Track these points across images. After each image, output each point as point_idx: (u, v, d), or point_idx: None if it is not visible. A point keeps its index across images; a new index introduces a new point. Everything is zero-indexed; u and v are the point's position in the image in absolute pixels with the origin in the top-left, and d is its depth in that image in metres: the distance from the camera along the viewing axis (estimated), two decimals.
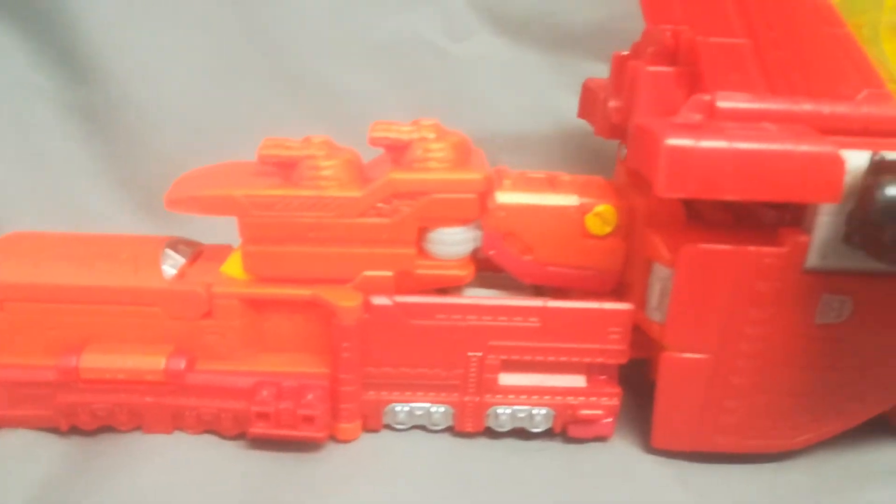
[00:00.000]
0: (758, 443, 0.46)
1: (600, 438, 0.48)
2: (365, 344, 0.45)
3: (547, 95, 0.62)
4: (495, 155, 0.62)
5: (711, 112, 0.40)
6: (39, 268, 0.46)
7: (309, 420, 0.44)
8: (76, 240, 0.49)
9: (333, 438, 0.47)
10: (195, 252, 0.50)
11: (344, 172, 0.44)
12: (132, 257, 0.47)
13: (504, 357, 0.46)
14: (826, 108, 0.40)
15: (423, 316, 0.45)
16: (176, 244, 0.49)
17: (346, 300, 0.44)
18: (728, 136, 0.37)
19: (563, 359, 0.46)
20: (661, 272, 0.44)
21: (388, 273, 0.45)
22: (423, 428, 0.48)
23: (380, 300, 0.45)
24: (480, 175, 0.44)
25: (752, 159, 0.37)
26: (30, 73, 0.62)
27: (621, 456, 0.47)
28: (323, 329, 0.45)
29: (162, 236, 0.49)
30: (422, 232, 0.45)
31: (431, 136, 0.45)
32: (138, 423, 0.47)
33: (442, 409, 0.47)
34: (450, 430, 0.48)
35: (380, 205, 0.44)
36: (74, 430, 0.46)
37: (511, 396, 0.47)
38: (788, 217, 0.42)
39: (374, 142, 0.44)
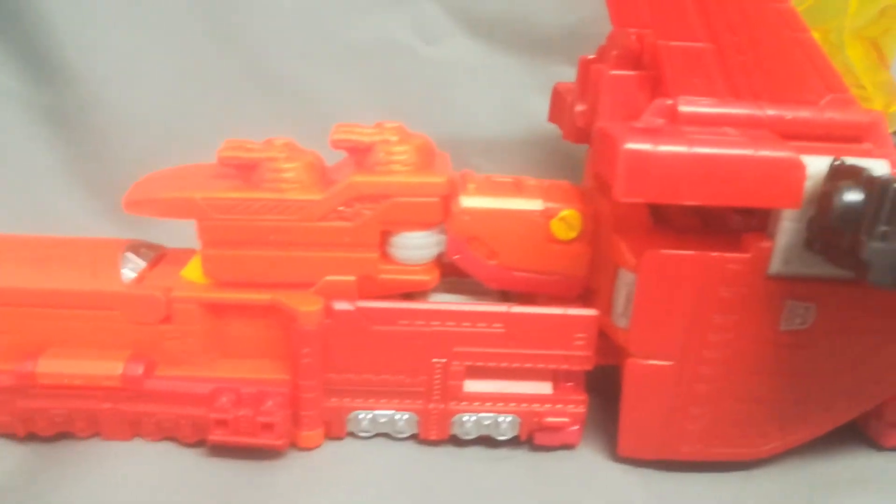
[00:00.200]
0: (725, 451, 0.45)
1: (567, 446, 0.48)
2: (327, 350, 0.44)
3: (520, 99, 0.62)
4: (468, 158, 0.62)
5: (674, 116, 0.40)
6: None
7: (268, 427, 0.43)
8: (35, 242, 0.48)
9: (295, 446, 0.46)
10: (157, 255, 0.49)
11: (305, 175, 0.44)
12: (91, 261, 0.46)
13: (469, 363, 0.45)
14: (789, 113, 0.40)
15: (386, 321, 0.44)
16: (137, 247, 0.48)
17: (305, 305, 0.43)
18: (688, 140, 0.37)
19: (528, 365, 0.46)
20: (626, 277, 0.43)
21: (351, 278, 0.45)
22: (387, 435, 0.47)
23: (341, 305, 0.44)
24: (443, 178, 0.44)
25: (712, 164, 0.37)
26: None
27: (588, 464, 0.47)
28: (284, 335, 0.45)
29: (123, 239, 0.48)
30: (385, 236, 0.45)
31: (394, 138, 0.44)
32: (97, 429, 0.46)
33: (406, 416, 0.47)
34: (414, 437, 0.47)
35: (341, 208, 0.43)
36: (32, 437, 0.46)
37: (476, 403, 0.46)
38: (756, 222, 0.42)
39: (336, 144, 0.44)
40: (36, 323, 0.45)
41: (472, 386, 0.46)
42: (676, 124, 0.40)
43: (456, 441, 0.47)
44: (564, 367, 0.46)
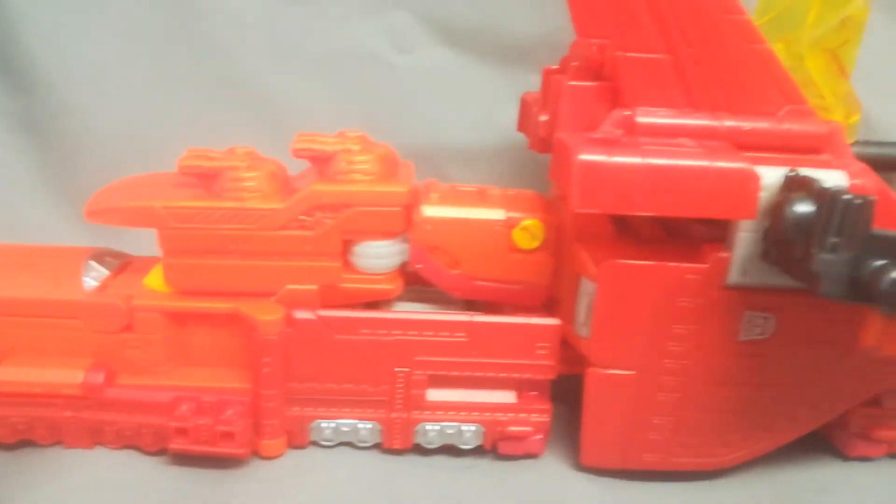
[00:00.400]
0: (687, 461, 0.45)
1: (531, 455, 0.47)
2: (288, 359, 0.44)
3: (493, 108, 0.62)
4: (440, 167, 0.62)
5: (631, 127, 0.40)
6: None
7: (228, 436, 0.43)
8: None
9: (257, 455, 0.46)
10: (122, 264, 0.49)
11: (267, 184, 0.44)
12: (54, 269, 0.46)
13: (431, 372, 0.45)
14: (746, 125, 0.40)
15: (348, 330, 0.44)
16: (101, 256, 0.48)
17: (266, 314, 0.43)
18: (643, 151, 0.37)
19: (491, 374, 0.45)
20: (587, 287, 0.43)
21: (313, 287, 0.45)
22: (350, 444, 0.47)
23: (302, 314, 0.44)
24: (405, 188, 0.44)
25: (666, 175, 0.37)
26: None
27: (551, 473, 0.47)
28: (246, 343, 0.45)
29: (87, 248, 0.48)
30: (347, 245, 0.45)
31: (356, 147, 0.45)
32: (58, 437, 0.46)
33: (369, 425, 0.46)
34: (378, 446, 0.47)
35: (302, 217, 0.43)
36: None
37: (440, 412, 0.46)
38: (719, 233, 0.42)
39: (297, 153, 0.44)
40: None
41: (436, 395, 0.46)
42: (634, 135, 0.40)
43: (420, 450, 0.47)
44: (528, 376, 0.46)
